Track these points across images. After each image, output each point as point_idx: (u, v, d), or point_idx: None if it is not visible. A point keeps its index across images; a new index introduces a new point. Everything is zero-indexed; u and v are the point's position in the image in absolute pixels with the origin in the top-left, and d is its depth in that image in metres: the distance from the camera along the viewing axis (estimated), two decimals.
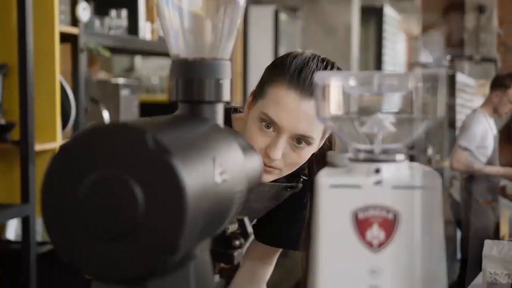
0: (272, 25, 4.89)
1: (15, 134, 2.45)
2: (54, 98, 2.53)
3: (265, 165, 1.21)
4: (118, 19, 3.06)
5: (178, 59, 0.83)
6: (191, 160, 0.66)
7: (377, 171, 0.71)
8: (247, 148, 0.87)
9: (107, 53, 2.79)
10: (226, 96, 0.83)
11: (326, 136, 1.30)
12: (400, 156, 0.72)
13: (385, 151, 0.72)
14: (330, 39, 5.26)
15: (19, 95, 2.40)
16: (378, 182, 0.70)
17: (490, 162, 4.31)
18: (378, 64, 7.53)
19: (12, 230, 2.64)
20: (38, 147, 2.46)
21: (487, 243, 1.91)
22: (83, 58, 2.71)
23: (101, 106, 2.97)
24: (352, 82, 0.72)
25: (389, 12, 7.54)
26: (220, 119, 0.83)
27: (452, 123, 7.25)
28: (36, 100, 2.46)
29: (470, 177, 4.31)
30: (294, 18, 5.29)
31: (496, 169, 4.38)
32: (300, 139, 1.21)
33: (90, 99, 2.96)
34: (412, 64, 9.63)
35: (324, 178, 0.70)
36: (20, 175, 2.39)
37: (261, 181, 1.23)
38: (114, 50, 3.25)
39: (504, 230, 4.63)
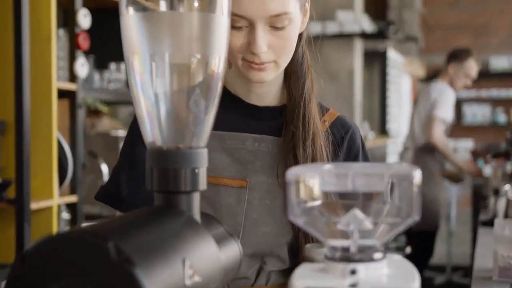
0: None
1: (11, 192, 2.43)
2: (51, 155, 2.52)
3: (255, 63, 1.11)
4: (117, 72, 3.08)
5: (153, 148, 0.82)
6: (157, 266, 0.63)
7: (353, 272, 0.68)
8: (225, 237, 0.84)
9: (105, 108, 2.79)
10: (203, 185, 0.81)
11: (307, 5, 1.18)
12: (377, 255, 0.69)
13: (361, 249, 0.70)
14: (333, 84, 5.25)
15: (15, 152, 2.40)
16: (354, 286, 0.67)
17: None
18: (383, 107, 7.53)
19: None
20: (34, 205, 2.44)
21: (498, 222, 1.76)
22: (81, 114, 2.71)
23: (100, 159, 2.96)
24: (325, 180, 0.70)
25: (392, 55, 7.57)
26: (196, 209, 0.81)
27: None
28: (32, 157, 2.45)
29: (424, 148, 4.29)
30: None
31: (461, 161, 4.38)
32: (277, 21, 1.09)
33: (89, 152, 2.95)
34: None
35: (299, 281, 0.68)
36: (16, 234, 2.36)
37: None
38: (115, 102, 3.26)
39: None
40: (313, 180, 0.71)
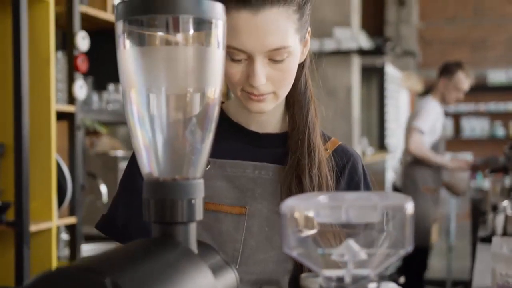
0: None
1: (10, 215, 2.44)
2: (50, 177, 2.53)
3: (254, 95, 1.12)
4: (116, 93, 3.09)
5: (150, 179, 0.83)
6: None
7: None
8: (221, 266, 0.85)
9: (103, 130, 2.80)
10: (199, 215, 0.82)
11: (307, 36, 1.18)
12: (372, 285, 0.70)
13: (356, 279, 0.71)
14: (332, 101, 5.27)
15: (14, 175, 2.41)
16: None
17: (434, 149, 4.34)
18: (381, 122, 7.55)
19: None
20: (33, 227, 2.44)
21: (495, 240, 1.75)
22: (79, 135, 2.72)
23: (99, 180, 2.97)
24: (320, 212, 0.71)
25: (390, 70, 7.61)
26: (193, 239, 0.82)
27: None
28: (32, 180, 2.46)
29: (414, 163, 4.30)
30: None
31: (446, 160, 4.40)
32: (276, 54, 1.09)
33: (88, 173, 2.96)
34: None
35: None
36: (15, 257, 2.37)
37: None
38: (113, 123, 3.28)
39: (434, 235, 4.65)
40: (307, 212, 0.72)
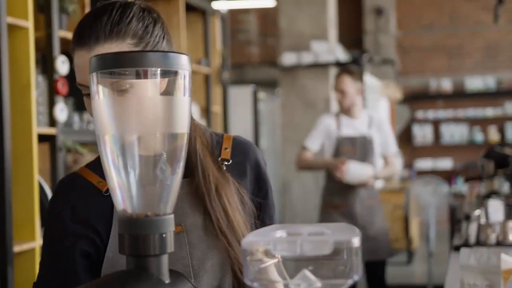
0: (251, 104, 5.01)
1: None
2: (33, 198, 2.59)
3: None
4: None
5: (124, 215, 0.90)
6: None
7: None
8: None
9: (84, 151, 2.86)
10: (170, 248, 0.90)
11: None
12: None
13: None
14: (310, 113, 5.36)
15: None
16: None
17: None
18: None
19: None
20: (17, 248, 2.50)
21: (464, 251, 1.82)
22: (61, 157, 2.78)
23: None
24: (277, 246, 0.79)
25: (369, 80, 7.72)
26: (165, 270, 0.89)
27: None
28: (14, 201, 2.52)
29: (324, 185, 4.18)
30: (273, 94, 5.41)
31: (324, 160, 4.12)
32: (118, 86, 1.07)
33: None
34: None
35: None
36: None
37: None
38: (95, 143, 3.34)
39: None
40: (265, 247, 0.79)
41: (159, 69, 0.87)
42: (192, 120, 1.26)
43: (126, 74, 0.88)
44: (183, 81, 0.89)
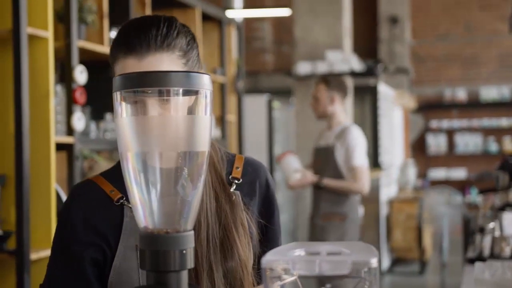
0: (266, 112, 5.02)
1: (11, 243, 2.52)
2: (50, 206, 2.62)
3: None
4: (113, 122, 3.19)
5: (145, 232, 0.92)
6: None
7: None
8: None
9: (100, 160, 2.89)
10: (190, 264, 0.91)
11: None
12: None
13: None
14: (324, 122, 5.36)
15: (15, 205, 2.49)
16: None
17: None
18: (375, 140, 7.64)
19: None
20: (34, 255, 2.53)
21: (478, 265, 1.82)
22: (78, 166, 2.81)
23: None
24: (296, 265, 0.80)
25: (383, 89, 7.72)
26: (184, 285, 0.91)
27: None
28: (32, 209, 2.55)
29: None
30: (287, 103, 5.42)
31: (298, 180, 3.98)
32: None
33: None
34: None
35: None
36: (16, 285, 2.45)
37: None
38: (111, 151, 3.37)
39: None
40: (285, 266, 0.81)
41: (181, 88, 0.89)
42: None
43: (149, 93, 0.90)
44: (205, 100, 0.91)
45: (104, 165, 3.72)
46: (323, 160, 3.96)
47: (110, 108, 3.19)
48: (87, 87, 2.91)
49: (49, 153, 2.61)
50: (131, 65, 1.17)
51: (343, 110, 4.08)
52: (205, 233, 1.23)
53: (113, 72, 1.22)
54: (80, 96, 2.82)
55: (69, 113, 2.81)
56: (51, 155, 2.62)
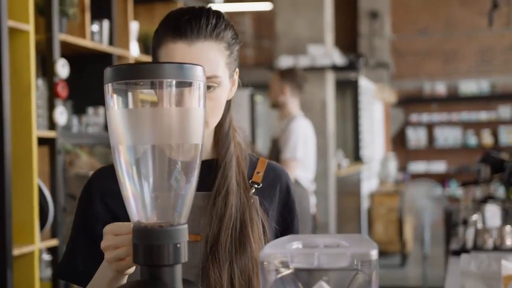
0: (248, 107, 5.00)
1: None
2: (32, 201, 2.58)
3: None
4: (95, 116, 3.16)
5: (139, 226, 0.90)
6: None
7: None
8: None
9: (83, 154, 2.86)
10: (184, 257, 0.90)
11: (235, 76, 1.27)
12: None
13: None
14: (307, 116, 5.35)
15: None
16: None
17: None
18: (356, 134, 7.66)
19: None
20: (16, 251, 2.49)
21: (464, 257, 1.82)
22: (60, 160, 2.78)
23: None
24: (294, 258, 0.79)
25: (364, 83, 7.74)
26: (178, 279, 0.90)
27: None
28: (14, 204, 2.51)
29: None
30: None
31: None
32: (207, 82, 1.14)
33: (67, 195, 3.01)
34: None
35: None
36: None
37: None
38: (93, 145, 3.34)
39: None
40: (283, 259, 0.80)
41: (174, 80, 0.87)
42: (234, 137, 1.27)
43: (141, 85, 0.89)
44: (198, 92, 0.89)
45: (86, 159, 3.68)
46: (272, 152, 4.03)
47: (92, 102, 3.15)
48: (69, 81, 2.87)
49: (31, 147, 2.57)
50: (180, 49, 1.17)
51: (294, 102, 4.08)
52: (229, 224, 1.22)
53: (153, 56, 1.22)
54: (62, 90, 2.78)
55: (51, 107, 2.78)
56: (33, 150, 2.58)
